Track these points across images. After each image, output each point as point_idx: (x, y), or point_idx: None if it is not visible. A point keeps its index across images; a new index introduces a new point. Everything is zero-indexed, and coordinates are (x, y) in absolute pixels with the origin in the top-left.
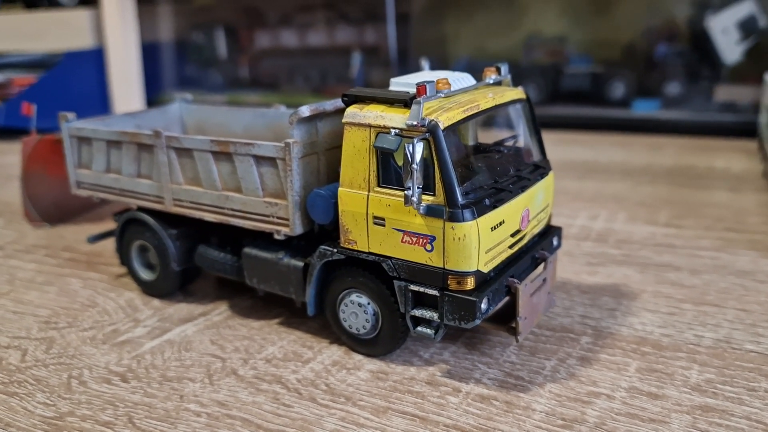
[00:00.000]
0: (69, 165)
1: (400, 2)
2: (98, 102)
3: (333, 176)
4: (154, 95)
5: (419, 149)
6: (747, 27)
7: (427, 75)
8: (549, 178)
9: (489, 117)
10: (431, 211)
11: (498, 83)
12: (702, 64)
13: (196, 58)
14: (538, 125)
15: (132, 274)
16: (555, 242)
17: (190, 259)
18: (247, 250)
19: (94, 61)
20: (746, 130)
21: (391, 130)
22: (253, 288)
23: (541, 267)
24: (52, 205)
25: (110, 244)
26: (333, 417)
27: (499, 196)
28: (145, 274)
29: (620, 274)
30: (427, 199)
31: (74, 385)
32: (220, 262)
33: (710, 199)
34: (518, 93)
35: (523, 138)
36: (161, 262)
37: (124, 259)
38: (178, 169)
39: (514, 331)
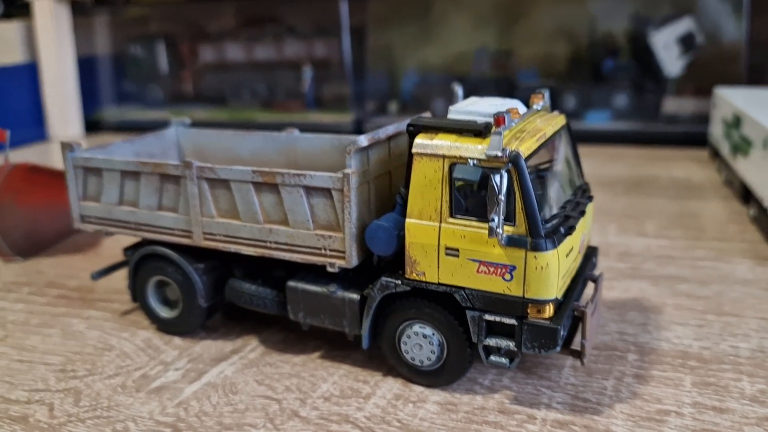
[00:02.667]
0: (72, 197)
1: (352, 16)
2: (32, 120)
3: (380, 205)
4: (91, 112)
5: (506, 180)
6: (686, 43)
7: (485, 102)
8: (592, 202)
9: None
10: (512, 242)
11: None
12: (646, 77)
13: (135, 73)
14: (577, 148)
15: (147, 311)
16: (594, 261)
17: (217, 294)
18: (291, 283)
19: (26, 76)
20: (691, 140)
21: (469, 160)
22: (280, 320)
23: (592, 288)
24: (23, 237)
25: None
26: None
27: (568, 223)
28: (164, 312)
29: (635, 288)
30: (508, 229)
31: None
32: (259, 296)
33: (685, 209)
34: (562, 119)
35: (562, 161)
36: (185, 298)
37: (138, 295)
38: (211, 201)
39: (578, 354)
